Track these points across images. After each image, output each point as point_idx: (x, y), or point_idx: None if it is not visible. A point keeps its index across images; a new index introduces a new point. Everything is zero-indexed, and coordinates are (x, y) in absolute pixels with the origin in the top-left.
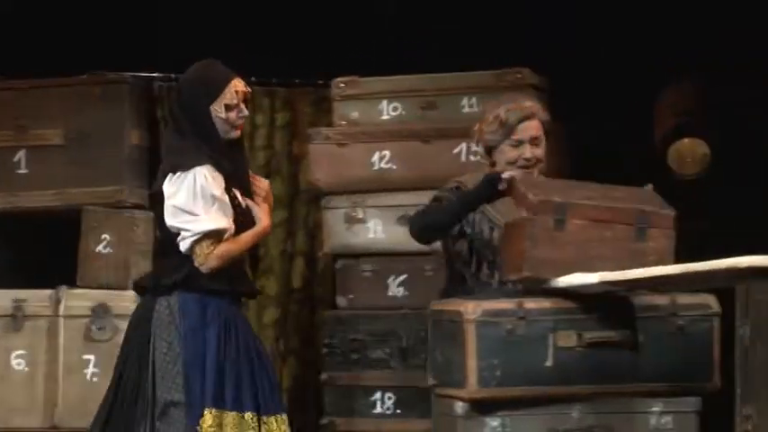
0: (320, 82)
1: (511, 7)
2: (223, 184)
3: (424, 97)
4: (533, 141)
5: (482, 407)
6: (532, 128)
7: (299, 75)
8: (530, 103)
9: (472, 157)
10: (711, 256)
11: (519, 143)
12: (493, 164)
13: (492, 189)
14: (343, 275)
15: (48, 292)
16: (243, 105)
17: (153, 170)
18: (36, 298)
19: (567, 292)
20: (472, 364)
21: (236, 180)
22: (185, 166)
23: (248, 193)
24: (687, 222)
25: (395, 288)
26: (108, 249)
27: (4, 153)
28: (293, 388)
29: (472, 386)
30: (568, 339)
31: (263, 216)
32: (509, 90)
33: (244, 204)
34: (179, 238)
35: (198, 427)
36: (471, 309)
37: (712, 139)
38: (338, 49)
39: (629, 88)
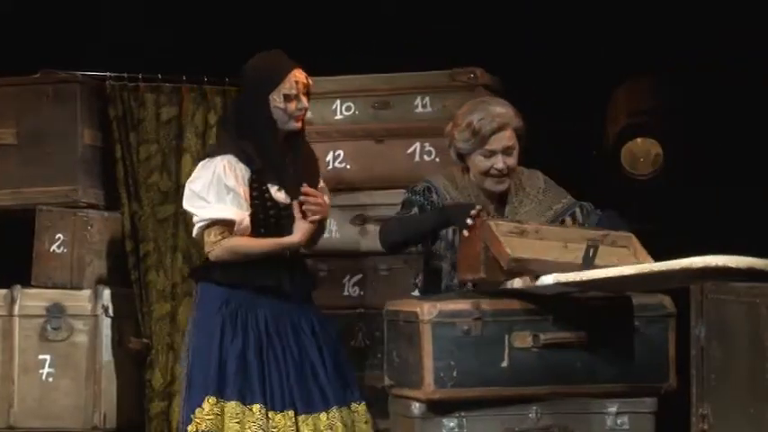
0: None
1: (463, 6)
2: (245, 176)
3: (377, 97)
4: (506, 151)
5: (439, 407)
6: (505, 138)
7: None
8: (502, 111)
9: (426, 157)
10: (665, 256)
11: (491, 153)
12: (465, 169)
13: (464, 220)
14: None
15: (2, 291)
16: (303, 97)
17: (106, 170)
18: None
19: (523, 293)
20: (428, 364)
21: (274, 176)
22: (213, 154)
23: (294, 192)
24: (640, 222)
25: (350, 288)
26: (62, 249)
27: None
28: None
29: (429, 387)
30: (524, 340)
31: (297, 231)
32: (462, 90)
33: (283, 202)
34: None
35: (192, 415)
36: (427, 309)
37: (665, 139)
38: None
39: (581, 88)
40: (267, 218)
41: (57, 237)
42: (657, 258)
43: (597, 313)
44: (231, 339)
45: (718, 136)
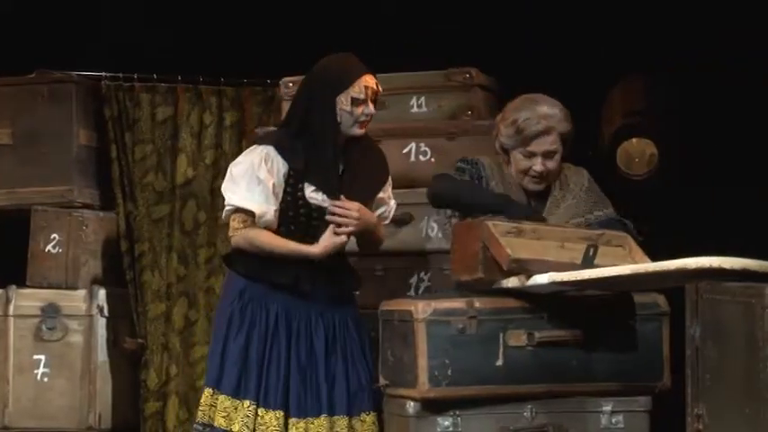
0: (268, 81)
1: (459, 6)
2: (281, 171)
3: None
4: (547, 155)
5: (434, 406)
6: (547, 142)
7: (248, 74)
8: (550, 113)
9: (422, 157)
10: (660, 256)
11: (531, 155)
12: (507, 161)
13: (513, 213)
14: None
15: None
16: (371, 103)
17: (101, 170)
18: None
19: (518, 292)
20: (423, 363)
21: (314, 176)
22: (259, 142)
23: (335, 196)
24: (636, 223)
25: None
26: (57, 249)
27: None
28: None
29: (423, 386)
30: (519, 339)
31: (321, 242)
32: (457, 90)
33: (318, 204)
34: None
35: (201, 404)
36: (422, 308)
37: (660, 139)
38: (286, 48)
39: (577, 88)
40: (297, 216)
41: (52, 237)
42: (653, 258)
43: (592, 312)
44: (236, 333)
45: (714, 136)
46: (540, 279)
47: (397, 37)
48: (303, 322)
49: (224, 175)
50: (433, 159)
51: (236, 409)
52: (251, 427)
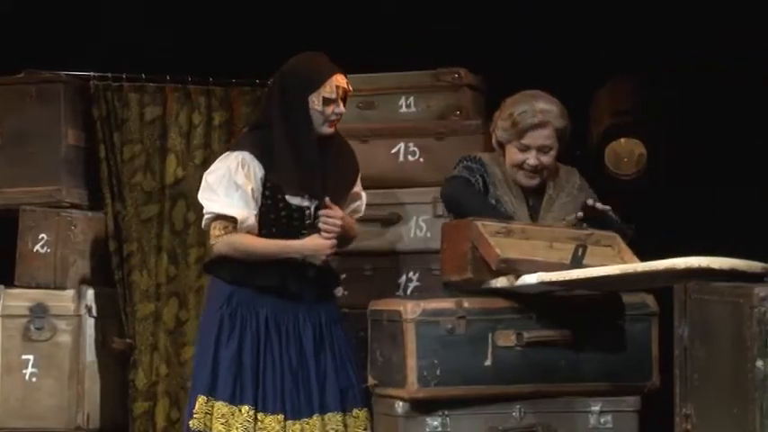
0: (257, 81)
1: (448, 6)
2: (258, 175)
3: (361, 97)
4: (541, 149)
5: (422, 406)
6: (542, 136)
7: (236, 74)
8: (546, 108)
9: (410, 157)
10: (649, 256)
11: (526, 148)
12: (503, 156)
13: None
14: None
15: None
16: (341, 102)
17: (89, 170)
18: None
19: (507, 292)
20: (412, 363)
21: (291, 177)
22: (232, 148)
23: (317, 196)
24: (624, 223)
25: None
26: (46, 249)
27: None
28: None
29: (412, 386)
30: (508, 339)
31: (307, 241)
32: (446, 90)
33: (298, 204)
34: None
35: (194, 411)
36: (411, 308)
37: (648, 139)
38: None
39: (565, 87)
40: (278, 218)
41: (40, 237)
42: (642, 258)
43: (581, 312)
44: (227, 339)
45: (702, 136)
46: (529, 279)
47: (386, 37)
48: (291, 323)
49: None
50: (421, 159)
51: (233, 415)
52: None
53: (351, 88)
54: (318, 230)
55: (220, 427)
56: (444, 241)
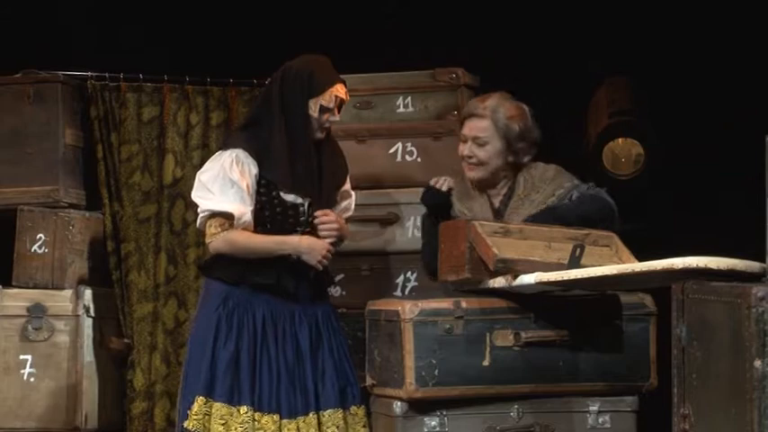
0: (255, 81)
1: (446, 6)
2: (252, 172)
3: (358, 97)
4: (475, 140)
5: (420, 406)
6: (475, 128)
7: (234, 74)
8: (491, 104)
9: (408, 157)
10: (647, 256)
11: (464, 139)
12: None
13: (434, 202)
14: None
15: None
16: (336, 111)
17: (87, 170)
18: None
19: (504, 292)
20: (410, 363)
21: (285, 175)
22: (225, 147)
23: (311, 194)
24: (622, 224)
25: (332, 288)
26: (44, 249)
27: None
28: None
29: (410, 386)
30: (506, 338)
31: (304, 239)
32: (444, 90)
33: (292, 202)
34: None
35: (188, 411)
36: (409, 308)
37: (646, 139)
38: (272, 47)
39: (563, 87)
40: (274, 215)
41: (38, 237)
42: (639, 258)
43: (579, 311)
44: (225, 339)
45: (701, 135)
46: (527, 279)
47: (383, 36)
48: (288, 322)
49: None
50: (419, 159)
51: (232, 415)
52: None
53: (348, 97)
54: (314, 229)
55: (219, 428)
56: (442, 241)
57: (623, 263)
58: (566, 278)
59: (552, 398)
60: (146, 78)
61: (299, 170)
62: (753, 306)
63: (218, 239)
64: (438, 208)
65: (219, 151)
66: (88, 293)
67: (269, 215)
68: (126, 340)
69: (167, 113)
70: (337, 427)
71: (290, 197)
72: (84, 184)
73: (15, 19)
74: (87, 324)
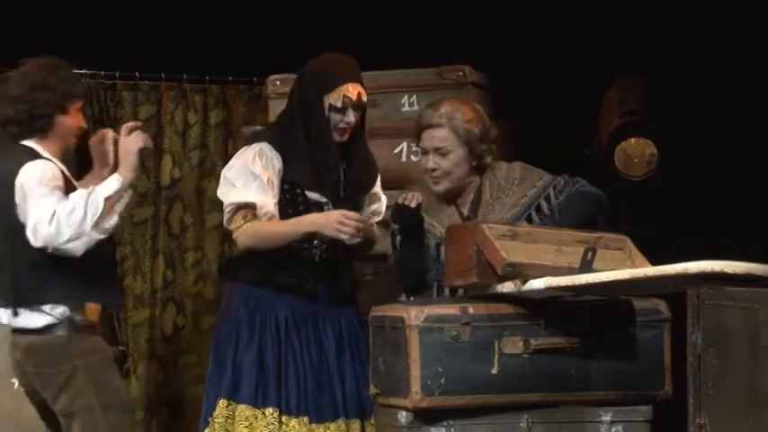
0: (255, 80)
1: (453, 3)
2: (276, 166)
3: None
4: (438, 151)
5: (426, 416)
6: (435, 137)
7: (233, 72)
8: (446, 110)
9: (413, 157)
10: (660, 260)
11: (424, 151)
12: None
13: (407, 222)
14: None
15: None
16: (351, 112)
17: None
18: None
19: (513, 298)
20: (416, 371)
21: (307, 172)
22: (250, 141)
23: (333, 194)
24: (634, 226)
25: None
26: None
27: None
28: None
29: (416, 395)
30: (515, 346)
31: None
32: (450, 88)
33: (316, 199)
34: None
35: (210, 419)
36: (414, 314)
37: (659, 138)
38: (273, 45)
39: (574, 86)
40: (297, 213)
41: None
42: (653, 262)
43: (591, 318)
44: (247, 342)
45: (715, 135)
46: (537, 284)
47: (388, 34)
48: (311, 324)
49: (210, 175)
50: None
51: (256, 418)
52: None
53: (364, 99)
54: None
55: (244, 431)
56: (448, 245)
57: (636, 267)
58: (577, 283)
59: (563, 407)
60: (142, 76)
61: (320, 169)
62: None
63: (242, 232)
64: (411, 226)
65: (245, 146)
66: None
67: (293, 213)
68: (121, 348)
69: (164, 112)
70: None
71: (313, 195)
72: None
73: (5, 14)
74: None
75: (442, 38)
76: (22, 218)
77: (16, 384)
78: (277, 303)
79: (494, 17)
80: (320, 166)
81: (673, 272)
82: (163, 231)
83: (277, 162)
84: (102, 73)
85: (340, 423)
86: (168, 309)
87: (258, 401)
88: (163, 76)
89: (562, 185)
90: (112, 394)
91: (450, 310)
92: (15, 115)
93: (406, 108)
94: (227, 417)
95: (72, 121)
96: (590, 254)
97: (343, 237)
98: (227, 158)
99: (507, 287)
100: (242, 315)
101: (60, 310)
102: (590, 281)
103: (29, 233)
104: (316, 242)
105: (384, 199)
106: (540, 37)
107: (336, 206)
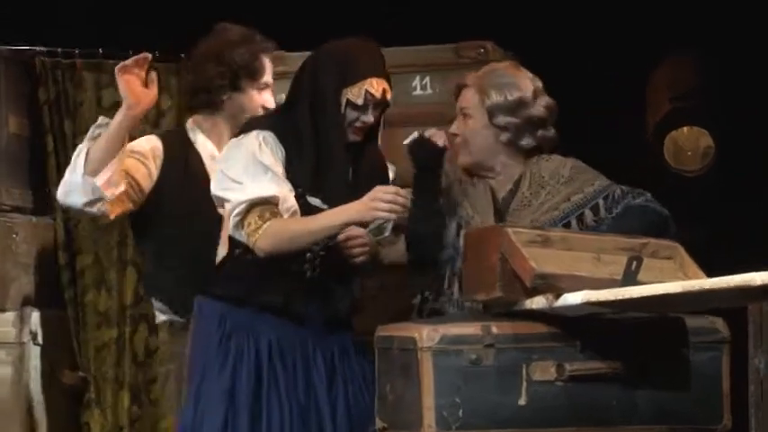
0: None
1: None
2: (281, 158)
3: None
4: (462, 112)
5: None
6: (462, 98)
7: None
8: (480, 74)
9: None
10: (717, 270)
11: (456, 114)
12: None
13: (425, 156)
14: None
15: None
16: (371, 110)
17: (35, 165)
18: None
19: (544, 315)
20: (429, 402)
21: (323, 190)
22: (247, 129)
23: (337, 204)
24: (687, 229)
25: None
26: None
27: None
28: None
29: (429, 429)
30: (546, 372)
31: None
32: (469, 67)
33: (317, 205)
34: (225, 214)
35: None
36: (427, 334)
37: (717, 127)
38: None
39: (615, 65)
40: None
41: None
42: (709, 273)
43: (636, 338)
44: (218, 370)
45: None
46: (572, 298)
47: (399, 5)
48: (299, 353)
49: None
50: None
51: None
52: None
53: (389, 96)
54: (337, 245)
55: None
56: (467, 253)
57: (689, 278)
58: (619, 297)
59: None
60: (105, 54)
61: (323, 171)
62: None
63: (261, 238)
64: (428, 168)
65: (240, 135)
66: (35, 316)
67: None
68: (81, 374)
69: None
70: None
71: (315, 201)
72: (30, 183)
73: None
74: (34, 354)
75: (461, 9)
76: None
77: None
78: (258, 325)
79: None
80: (325, 167)
81: (733, 284)
82: (131, 237)
83: (281, 155)
84: (59, 50)
85: None
86: (140, 329)
87: None
88: (131, 53)
89: (618, 196)
90: None
91: (470, 329)
92: None
93: (418, 91)
94: None
95: None
96: (635, 263)
97: (382, 215)
98: None
99: (537, 302)
100: (213, 338)
101: None
102: (635, 295)
103: None
104: (308, 255)
105: None
106: (574, 8)
107: None
